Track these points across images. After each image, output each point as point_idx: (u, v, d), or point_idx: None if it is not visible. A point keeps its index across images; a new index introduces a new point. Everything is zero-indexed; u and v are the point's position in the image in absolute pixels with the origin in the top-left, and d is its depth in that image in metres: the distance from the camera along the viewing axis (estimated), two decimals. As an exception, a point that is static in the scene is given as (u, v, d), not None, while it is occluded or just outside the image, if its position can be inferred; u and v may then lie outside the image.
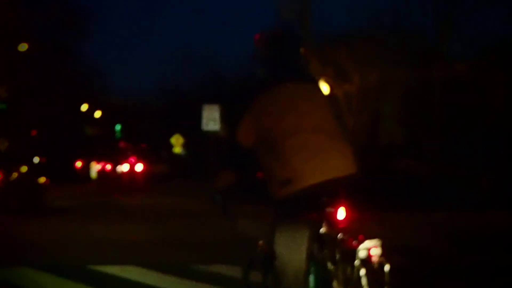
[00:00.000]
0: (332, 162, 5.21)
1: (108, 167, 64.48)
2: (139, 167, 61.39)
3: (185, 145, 48.17)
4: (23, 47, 43.58)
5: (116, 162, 64.74)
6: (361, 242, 4.96)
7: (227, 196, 5.67)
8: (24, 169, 27.23)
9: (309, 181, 5.13)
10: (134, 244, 14.62)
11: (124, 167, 61.32)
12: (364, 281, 4.88)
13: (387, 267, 4.90)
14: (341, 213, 5.16)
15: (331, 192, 5.20)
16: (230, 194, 5.65)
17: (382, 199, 21.46)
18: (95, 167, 65.77)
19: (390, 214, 20.26)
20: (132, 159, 61.68)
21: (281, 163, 5.21)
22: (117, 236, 16.26)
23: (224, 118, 32.96)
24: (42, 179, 27.50)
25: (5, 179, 25.70)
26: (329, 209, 5.19)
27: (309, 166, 5.15)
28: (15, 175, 26.47)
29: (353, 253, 4.96)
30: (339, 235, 5.16)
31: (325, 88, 25.07)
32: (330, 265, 5.18)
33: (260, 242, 6.04)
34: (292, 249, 5.27)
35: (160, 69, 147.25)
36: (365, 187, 5.55)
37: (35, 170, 28.99)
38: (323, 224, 5.26)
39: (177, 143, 41.50)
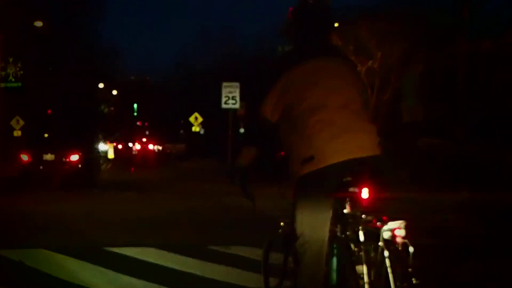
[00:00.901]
0: (357, 142, 5.12)
1: (123, 146, 64.99)
2: (151, 146, 62.08)
3: (203, 124, 48.27)
4: (38, 24, 43.56)
5: (132, 142, 65.10)
6: (385, 223, 4.83)
7: (247, 175, 5.57)
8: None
9: (332, 159, 5.04)
10: (152, 226, 14.53)
11: (137, 146, 61.91)
12: (387, 262, 4.76)
13: (411, 249, 4.76)
14: (364, 193, 5.01)
15: (355, 172, 5.08)
16: (251, 172, 5.53)
17: (406, 179, 21.33)
18: (112, 147, 66.17)
19: (413, 194, 20.10)
20: (144, 139, 62.43)
21: (305, 140, 5.11)
22: (134, 217, 16.18)
23: (243, 96, 32.84)
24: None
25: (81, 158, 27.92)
26: (353, 189, 5.07)
27: (334, 144, 5.06)
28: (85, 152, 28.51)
29: (377, 234, 4.84)
30: (363, 216, 5.05)
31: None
32: (353, 246, 5.08)
33: (281, 222, 5.94)
34: (314, 228, 5.17)
35: (178, 48, 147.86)
36: (388, 168, 5.41)
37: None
38: (346, 204, 5.17)
39: (195, 122, 41.51)
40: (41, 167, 27.08)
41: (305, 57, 5.34)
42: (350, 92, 5.32)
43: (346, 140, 5.07)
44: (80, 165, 27.65)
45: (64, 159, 27.46)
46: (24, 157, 27.42)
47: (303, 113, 5.15)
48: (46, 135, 31.73)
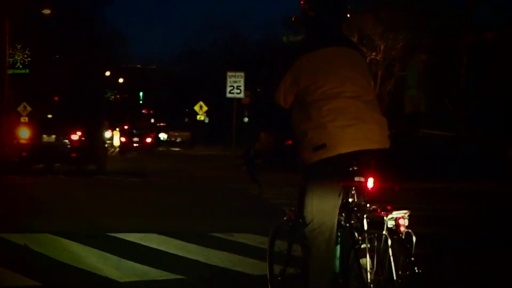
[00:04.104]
0: (369, 133, 5.14)
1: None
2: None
3: (208, 112, 48.34)
4: (46, 11, 43.54)
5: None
6: (389, 212, 4.87)
7: (254, 162, 5.63)
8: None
9: (343, 148, 5.07)
10: (156, 212, 14.56)
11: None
12: (391, 251, 4.80)
13: (414, 238, 4.79)
14: (370, 183, 5.05)
15: (363, 162, 5.11)
16: (259, 160, 5.56)
17: (409, 170, 21.31)
18: (117, 135, 66.50)
19: (416, 184, 20.09)
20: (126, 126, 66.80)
21: (318, 128, 5.12)
22: (138, 203, 16.21)
23: (248, 84, 32.75)
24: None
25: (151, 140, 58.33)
26: (359, 178, 5.09)
27: (346, 133, 5.08)
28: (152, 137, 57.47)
29: (381, 223, 4.87)
30: (367, 205, 5.09)
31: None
32: (357, 235, 5.10)
33: (287, 210, 5.95)
34: (324, 215, 5.22)
35: (184, 36, 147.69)
36: (394, 160, 5.44)
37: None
38: (352, 193, 5.21)
39: (200, 111, 41.51)
40: (132, 145, 55.34)
41: (319, 45, 5.34)
42: (363, 83, 5.34)
43: (358, 131, 5.08)
44: (150, 144, 56.69)
45: (143, 141, 55.96)
46: (122, 139, 56.93)
47: (317, 101, 5.15)
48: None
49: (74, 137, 26.93)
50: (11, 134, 34.65)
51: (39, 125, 28.38)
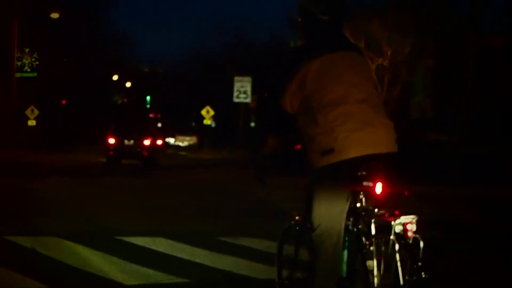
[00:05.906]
0: (377, 137, 5.14)
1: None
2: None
3: (215, 115, 48.49)
4: (54, 15, 43.60)
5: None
6: (397, 217, 4.84)
7: (262, 165, 5.62)
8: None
9: (352, 153, 5.07)
10: (161, 215, 14.55)
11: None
12: (398, 256, 4.79)
13: (422, 244, 4.77)
14: (378, 188, 5.03)
15: (371, 166, 5.11)
16: (268, 162, 5.57)
17: (415, 174, 21.27)
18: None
19: (422, 188, 20.06)
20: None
21: (326, 132, 5.12)
22: (144, 206, 16.19)
23: (255, 89, 32.80)
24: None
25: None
26: (367, 183, 5.09)
27: (354, 137, 5.08)
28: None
29: (389, 227, 4.86)
30: (375, 210, 5.06)
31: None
32: (364, 240, 5.10)
33: (294, 213, 5.95)
34: (332, 219, 5.21)
35: (191, 40, 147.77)
36: (402, 164, 5.43)
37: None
38: (360, 198, 5.20)
39: (207, 115, 41.53)
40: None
41: (321, 50, 5.32)
42: (369, 87, 5.34)
43: (366, 135, 5.09)
44: (162, 146, 48.92)
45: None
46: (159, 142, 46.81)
47: (324, 107, 5.15)
48: None
49: (146, 141, 36.18)
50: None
51: (121, 132, 36.42)
